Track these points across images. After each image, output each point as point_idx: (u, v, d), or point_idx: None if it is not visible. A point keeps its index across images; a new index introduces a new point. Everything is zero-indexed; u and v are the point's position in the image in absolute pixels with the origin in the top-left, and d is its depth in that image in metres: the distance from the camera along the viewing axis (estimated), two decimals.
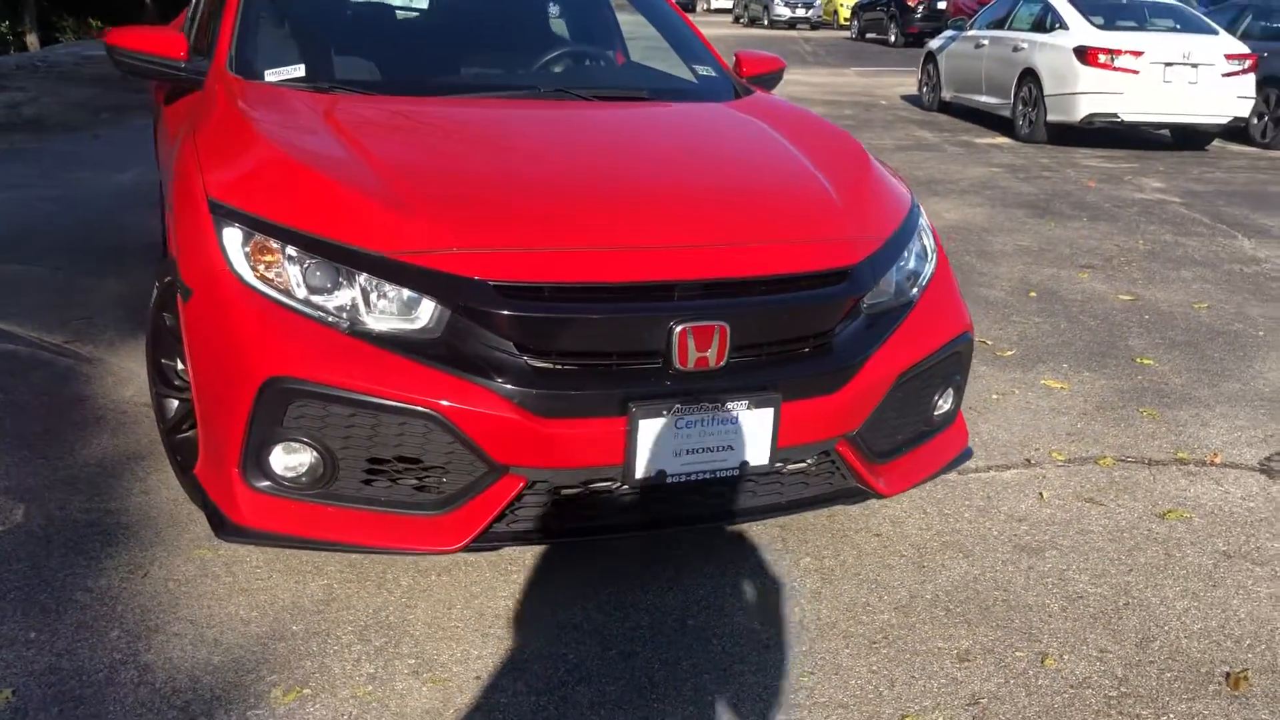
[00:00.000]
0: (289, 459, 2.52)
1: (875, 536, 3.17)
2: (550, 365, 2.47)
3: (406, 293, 2.47)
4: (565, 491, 2.55)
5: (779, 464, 2.67)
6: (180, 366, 3.14)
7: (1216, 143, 12.33)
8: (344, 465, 2.49)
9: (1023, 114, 12.09)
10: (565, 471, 2.51)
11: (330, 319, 2.47)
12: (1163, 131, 12.33)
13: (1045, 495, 3.50)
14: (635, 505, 2.61)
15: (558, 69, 3.89)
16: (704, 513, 2.69)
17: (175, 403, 3.17)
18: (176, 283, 2.73)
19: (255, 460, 2.51)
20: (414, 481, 2.52)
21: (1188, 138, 12.10)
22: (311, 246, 2.53)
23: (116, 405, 3.90)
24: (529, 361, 2.45)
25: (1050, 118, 11.63)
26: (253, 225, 2.59)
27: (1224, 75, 11.22)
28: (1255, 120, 12.07)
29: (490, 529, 2.51)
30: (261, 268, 2.55)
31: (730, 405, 2.53)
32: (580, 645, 2.62)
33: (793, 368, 2.64)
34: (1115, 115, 11.16)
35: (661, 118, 3.53)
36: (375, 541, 2.52)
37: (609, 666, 2.54)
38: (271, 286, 2.52)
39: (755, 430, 2.57)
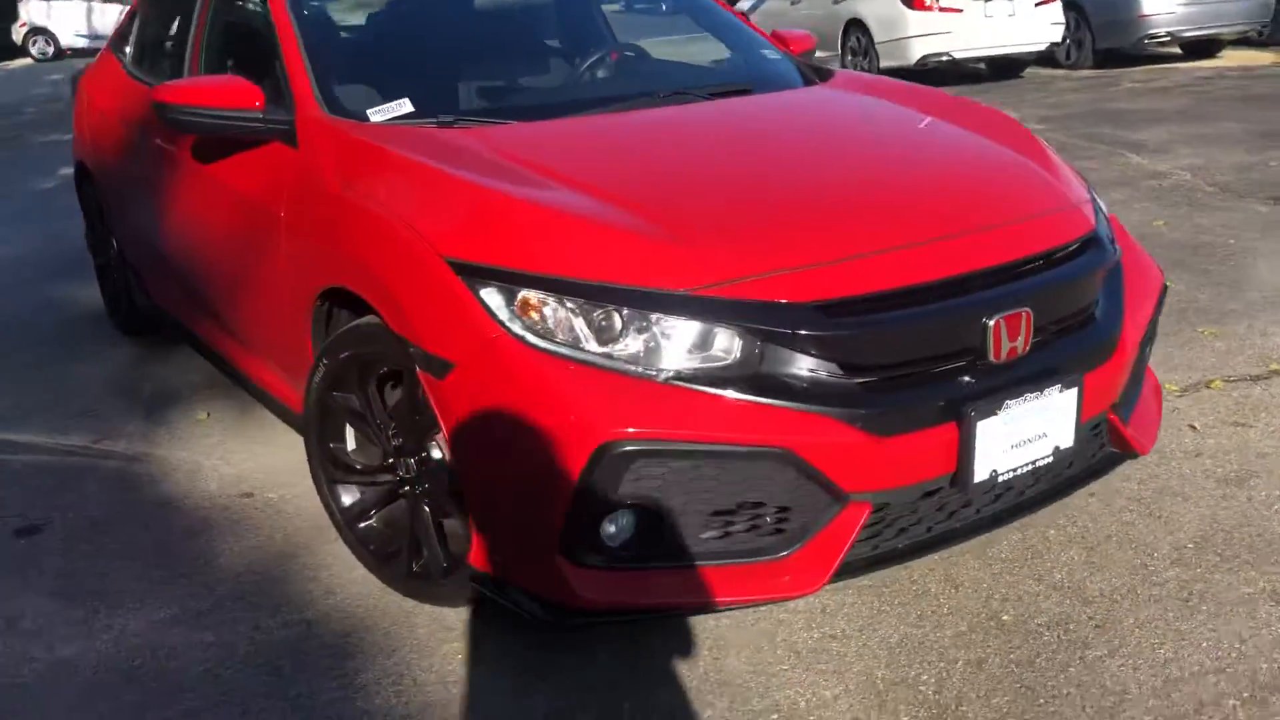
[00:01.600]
0: (621, 526, 2.30)
1: (1091, 497, 3.18)
2: (876, 380, 2.34)
3: (710, 328, 2.28)
4: (906, 508, 2.43)
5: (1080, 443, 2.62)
6: (350, 448, 2.83)
7: (1029, 70, 13.04)
8: (683, 522, 2.29)
9: (853, 64, 12.42)
10: (904, 489, 2.39)
11: (638, 369, 2.26)
12: (979, 65, 12.93)
13: (1197, 426, 3.59)
14: (967, 511, 2.52)
15: (646, 72, 3.69)
16: (1018, 506, 2.62)
17: (355, 490, 2.86)
18: (417, 358, 2.44)
19: (586, 535, 2.28)
20: (755, 526, 2.34)
21: (1002, 69, 12.75)
22: (597, 295, 2.30)
23: (213, 502, 3.48)
24: (855, 380, 2.32)
25: (883, 64, 12.00)
26: (515, 281, 2.35)
27: (1036, 5, 11.86)
28: (1060, 44, 12.82)
29: (845, 562, 2.37)
30: (537, 325, 2.30)
31: (1047, 391, 2.47)
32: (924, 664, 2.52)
33: (1075, 343, 2.60)
34: (947, 54, 11.64)
35: (806, 108, 3.40)
36: (729, 596, 2.34)
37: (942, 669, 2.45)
38: (561, 344, 2.28)
39: (1064, 412, 2.52)
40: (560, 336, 2.29)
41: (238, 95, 3.14)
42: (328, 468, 2.94)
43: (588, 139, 2.96)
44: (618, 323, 2.29)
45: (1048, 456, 2.52)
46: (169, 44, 4.33)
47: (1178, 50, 13.07)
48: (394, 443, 2.78)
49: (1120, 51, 12.74)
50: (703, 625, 2.66)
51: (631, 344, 2.28)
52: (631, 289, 2.30)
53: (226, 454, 3.80)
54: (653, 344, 2.27)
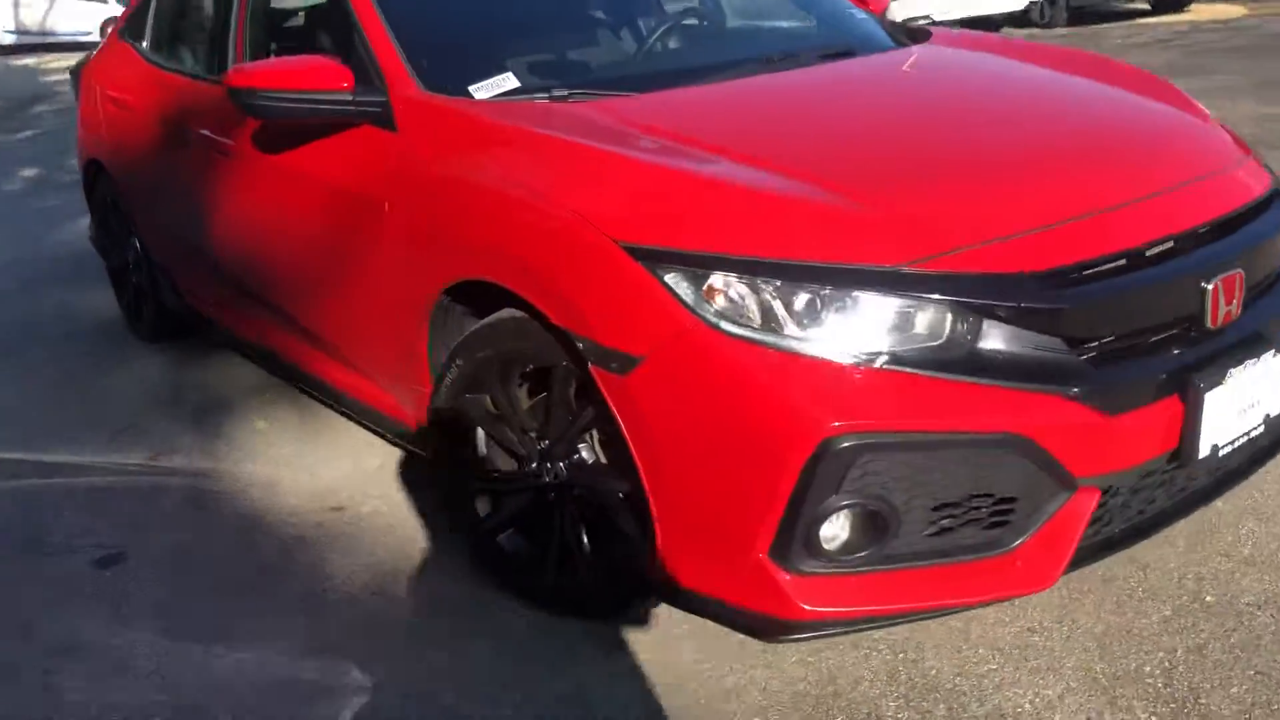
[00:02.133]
0: (841, 527, 2.10)
1: None
2: (1097, 354, 2.16)
3: (921, 306, 2.08)
4: (1128, 491, 2.26)
5: None
6: (481, 453, 2.61)
7: (1003, 30, 12.98)
8: (907, 520, 2.10)
9: None
10: (1130, 470, 2.22)
11: (850, 356, 2.05)
12: (957, 27, 12.85)
13: None
14: (1187, 486, 2.36)
15: (746, 34, 3.46)
16: (1225, 478, 2.46)
17: (489, 499, 2.65)
18: (591, 353, 2.22)
19: (803, 539, 2.08)
20: (979, 520, 2.15)
21: (978, 29, 12.68)
22: (797, 275, 2.09)
23: (301, 519, 3.22)
24: (1078, 354, 2.13)
25: None
26: (704, 265, 2.12)
27: None
28: (1035, 3, 12.77)
29: (1077, 552, 2.19)
30: (733, 312, 2.09)
31: (1262, 356, 2.31)
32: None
33: (1271, 304, 2.45)
34: (929, 16, 11.52)
35: (935, 70, 3.19)
36: (960, 597, 2.16)
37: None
38: (763, 331, 2.07)
39: (1275, 378, 2.36)
40: (759, 323, 2.08)
41: (325, 76, 2.88)
42: (460, 477, 2.71)
43: (728, 109, 2.73)
44: (821, 305, 2.08)
45: (1259, 425, 2.36)
46: (201, 27, 4.02)
47: (1146, 5, 13.08)
48: (539, 446, 2.55)
49: (1091, 9, 12.72)
50: (886, 629, 2.48)
51: (838, 328, 2.07)
52: (835, 267, 2.09)
53: (301, 466, 3.54)
54: (862, 326, 2.07)
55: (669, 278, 2.13)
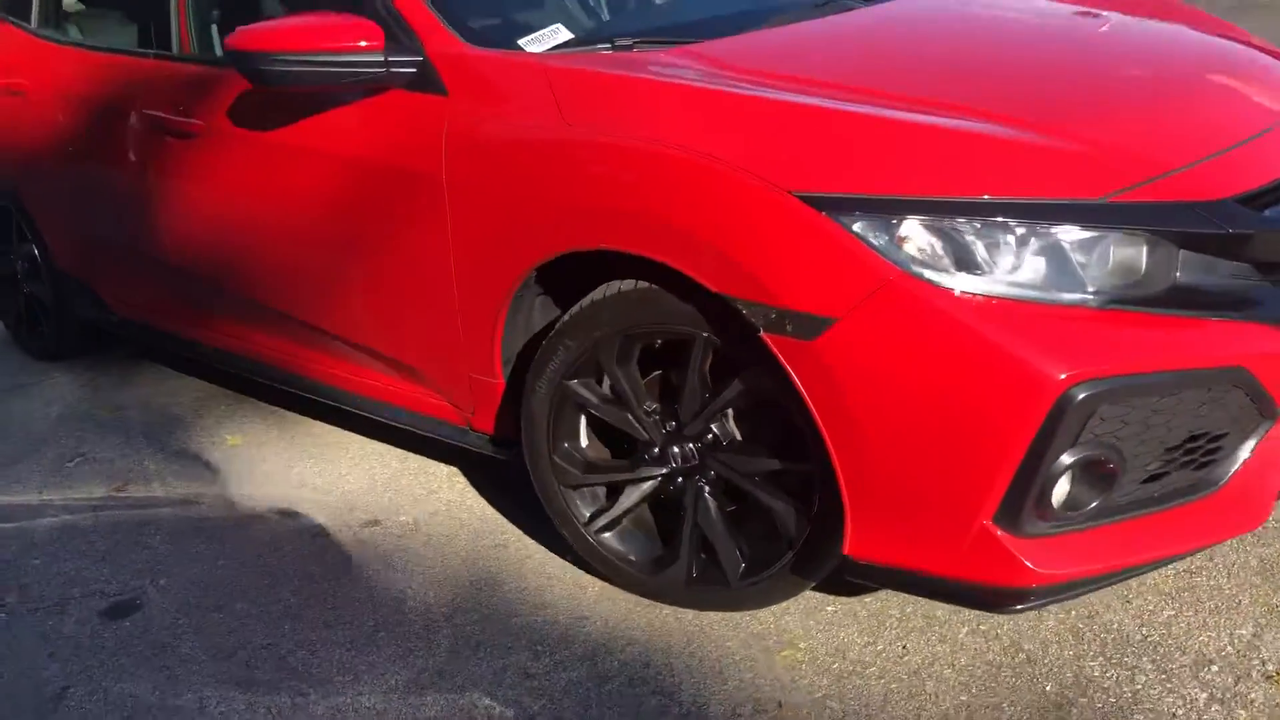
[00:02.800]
0: (1066, 484, 1.96)
1: None
2: None
3: (1127, 239, 1.96)
4: None
5: None
6: (584, 444, 2.37)
7: None
8: (1132, 467, 1.98)
9: None
10: None
11: (1069, 297, 1.91)
12: None
13: None
14: None
15: None
16: None
17: (598, 494, 2.43)
18: (764, 319, 2.00)
19: (1035, 500, 1.93)
20: (1190, 461, 2.05)
21: None
22: (998, 214, 1.93)
23: (337, 537, 2.87)
24: (1270, 280, 2.06)
25: None
26: (892, 210, 1.94)
27: None
28: None
29: None
30: (933, 259, 1.92)
31: None
32: None
33: None
34: None
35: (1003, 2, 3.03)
36: (1177, 546, 2.06)
37: None
38: (972, 278, 1.91)
39: None
40: (966, 269, 1.91)
41: (351, 33, 2.53)
42: (565, 471, 2.43)
43: (828, 51, 2.53)
44: (1029, 245, 1.93)
45: None
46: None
47: None
48: (663, 429, 2.31)
49: None
50: None
51: (1050, 268, 1.92)
52: (1041, 203, 1.95)
53: (307, 479, 3.17)
54: (1071, 265, 1.93)
55: (857, 227, 1.93)
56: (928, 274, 1.90)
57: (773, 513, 2.25)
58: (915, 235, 1.93)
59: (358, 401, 2.99)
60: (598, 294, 2.28)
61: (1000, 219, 1.92)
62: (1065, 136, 2.04)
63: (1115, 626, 2.24)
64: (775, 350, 2.01)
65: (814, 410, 2.01)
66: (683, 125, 2.14)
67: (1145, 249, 1.96)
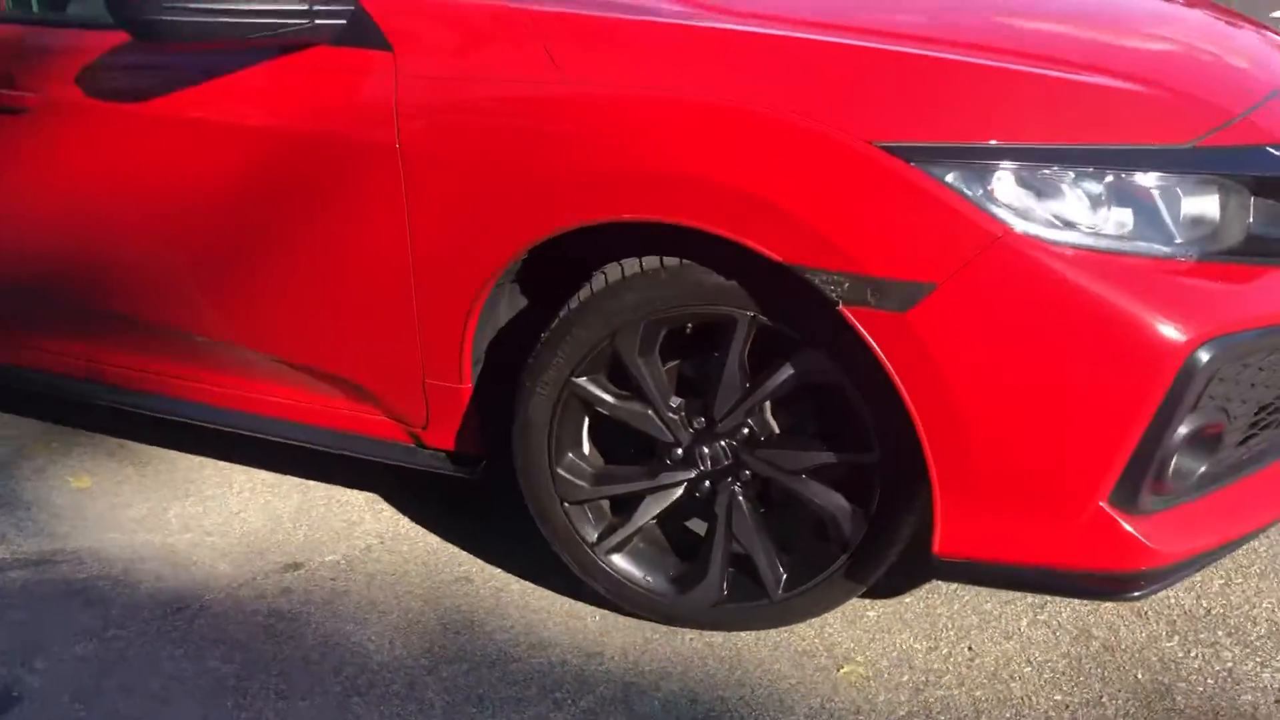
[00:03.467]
0: (1189, 450, 1.80)
1: None
2: None
3: (1217, 185, 1.82)
4: None
5: None
6: (587, 452, 2.08)
7: None
8: (1237, 428, 1.85)
9: None
10: None
11: (1164, 249, 1.76)
12: None
13: None
14: None
15: None
16: None
17: (602, 510, 2.13)
18: (842, 289, 1.75)
19: (1155, 474, 1.76)
20: (1273, 421, 1.94)
21: None
22: (1099, 162, 1.75)
23: (256, 590, 2.40)
24: None
25: None
26: (984, 158, 1.73)
27: None
28: None
29: None
30: (1034, 213, 1.72)
31: None
32: None
33: None
34: None
35: None
36: (1277, 510, 1.93)
37: None
38: (1079, 233, 1.72)
39: None
40: (1064, 223, 1.72)
41: None
42: (570, 485, 2.09)
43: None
44: (1125, 195, 1.75)
45: None
46: None
47: None
48: (691, 427, 2.02)
49: None
50: None
51: (1146, 220, 1.76)
52: (1134, 150, 1.77)
53: (192, 521, 2.66)
54: (1164, 217, 1.77)
55: (951, 179, 1.70)
56: (1034, 230, 1.69)
57: (823, 513, 1.99)
58: (1012, 187, 1.71)
59: (263, 424, 2.51)
60: (612, 274, 1.95)
61: (1098, 167, 1.73)
62: (1139, 82, 1.87)
63: (1174, 603, 2.11)
64: (858, 325, 1.75)
65: (904, 392, 1.76)
66: (723, 75, 1.84)
67: (1222, 197, 1.81)
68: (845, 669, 2.02)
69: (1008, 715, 1.89)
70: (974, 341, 1.72)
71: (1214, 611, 2.09)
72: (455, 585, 2.35)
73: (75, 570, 2.49)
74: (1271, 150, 1.85)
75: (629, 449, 2.15)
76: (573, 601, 2.26)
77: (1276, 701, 1.87)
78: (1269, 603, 2.10)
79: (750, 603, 2.09)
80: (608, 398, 2.03)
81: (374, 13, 2.09)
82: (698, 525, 2.20)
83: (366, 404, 2.35)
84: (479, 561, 2.43)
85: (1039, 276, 1.68)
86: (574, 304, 1.98)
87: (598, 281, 1.97)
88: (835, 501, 1.98)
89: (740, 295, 1.87)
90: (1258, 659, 1.96)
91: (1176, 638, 2.03)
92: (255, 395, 2.48)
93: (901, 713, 1.91)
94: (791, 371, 1.92)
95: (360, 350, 2.27)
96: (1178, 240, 1.75)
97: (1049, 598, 2.14)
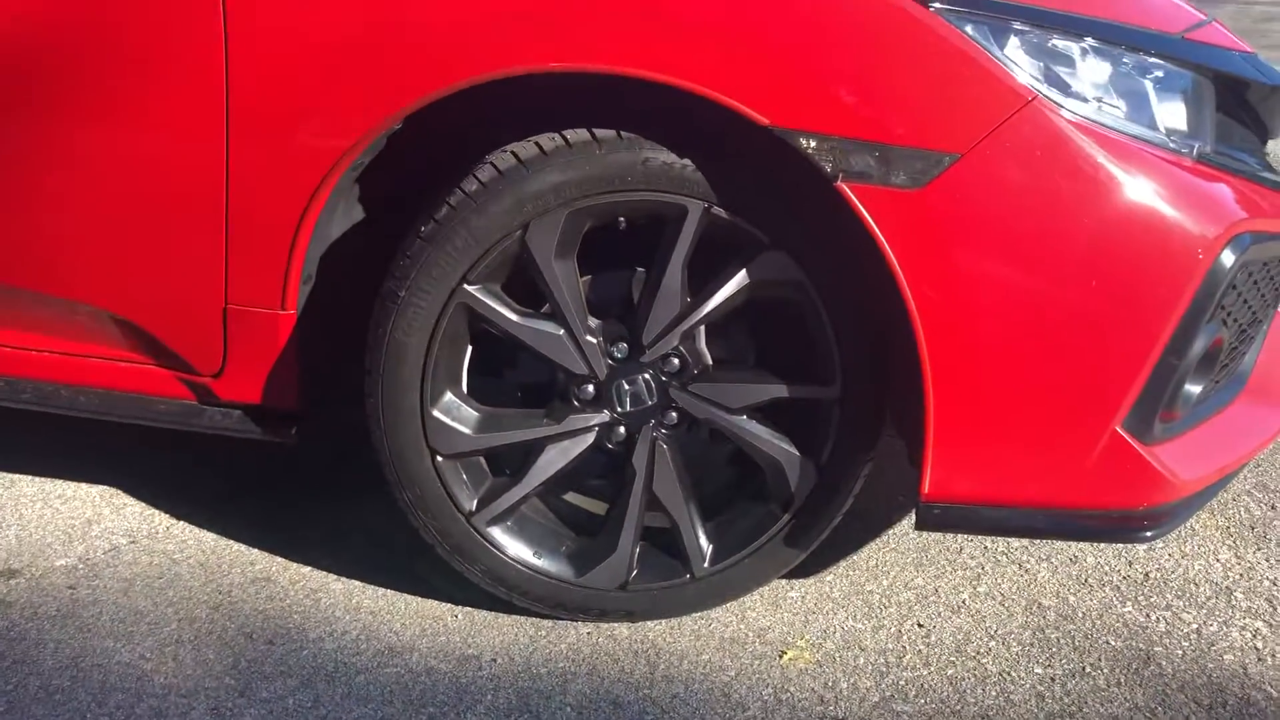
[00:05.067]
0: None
1: None
2: None
3: (1193, 83, 1.66)
4: None
5: None
6: (465, 389, 1.66)
7: None
8: (1244, 338, 1.69)
9: None
10: None
11: (1171, 143, 1.56)
12: None
13: None
14: None
15: None
16: None
17: (484, 467, 1.71)
18: (839, 158, 1.43)
19: (1172, 393, 1.54)
20: (1253, 337, 1.79)
21: None
22: (1103, 34, 1.55)
23: None
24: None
25: None
26: (1002, 14, 1.48)
27: None
28: None
29: None
30: (1048, 78, 1.49)
31: None
32: None
33: None
34: None
35: None
36: (1261, 438, 1.77)
37: None
38: (1093, 107, 1.50)
39: None
40: (1078, 97, 1.49)
41: None
42: (448, 433, 1.60)
43: None
44: (1136, 76, 1.56)
45: None
46: None
47: None
48: (610, 357, 1.60)
49: None
50: None
51: (1154, 107, 1.56)
52: (1141, 31, 1.59)
53: None
54: (1167, 106, 1.58)
55: (971, 30, 1.42)
56: (1057, 98, 1.44)
57: (765, 463, 1.63)
58: (1030, 50, 1.46)
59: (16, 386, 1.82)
60: (525, 151, 1.51)
61: (1110, 42, 1.51)
62: None
63: (1111, 569, 1.91)
64: (858, 205, 1.42)
65: (907, 291, 1.44)
66: None
67: (1198, 94, 1.64)
68: (789, 655, 1.64)
69: (994, 694, 1.58)
70: (994, 228, 1.43)
71: (1152, 576, 1.90)
72: (253, 588, 1.77)
73: None
74: (1238, 55, 1.72)
75: (510, 394, 1.69)
76: (419, 599, 1.75)
77: (1258, 659, 1.68)
78: (1200, 564, 1.93)
79: (665, 582, 1.68)
80: (508, 313, 1.56)
81: None
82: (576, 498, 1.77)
83: (127, 348, 1.74)
84: (277, 559, 1.86)
85: (1068, 152, 1.43)
86: (471, 186, 1.52)
87: (505, 160, 1.51)
88: (782, 448, 1.61)
89: (694, 179, 1.49)
90: (1220, 619, 1.78)
91: (1129, 604, 1.81)
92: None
93: (874, 699, 1.55)
94: (746, 281, 1.55)
95: (126, 264, 1.67)
96: (1181, 135, 1.55)
97: (982, 568, 1.88)
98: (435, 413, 1.58)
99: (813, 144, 1.41)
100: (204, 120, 1.56)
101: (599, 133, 1.50)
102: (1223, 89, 1.65)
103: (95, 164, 1.62)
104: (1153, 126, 1.52)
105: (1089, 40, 1.50)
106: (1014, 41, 1.44)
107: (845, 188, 1.42)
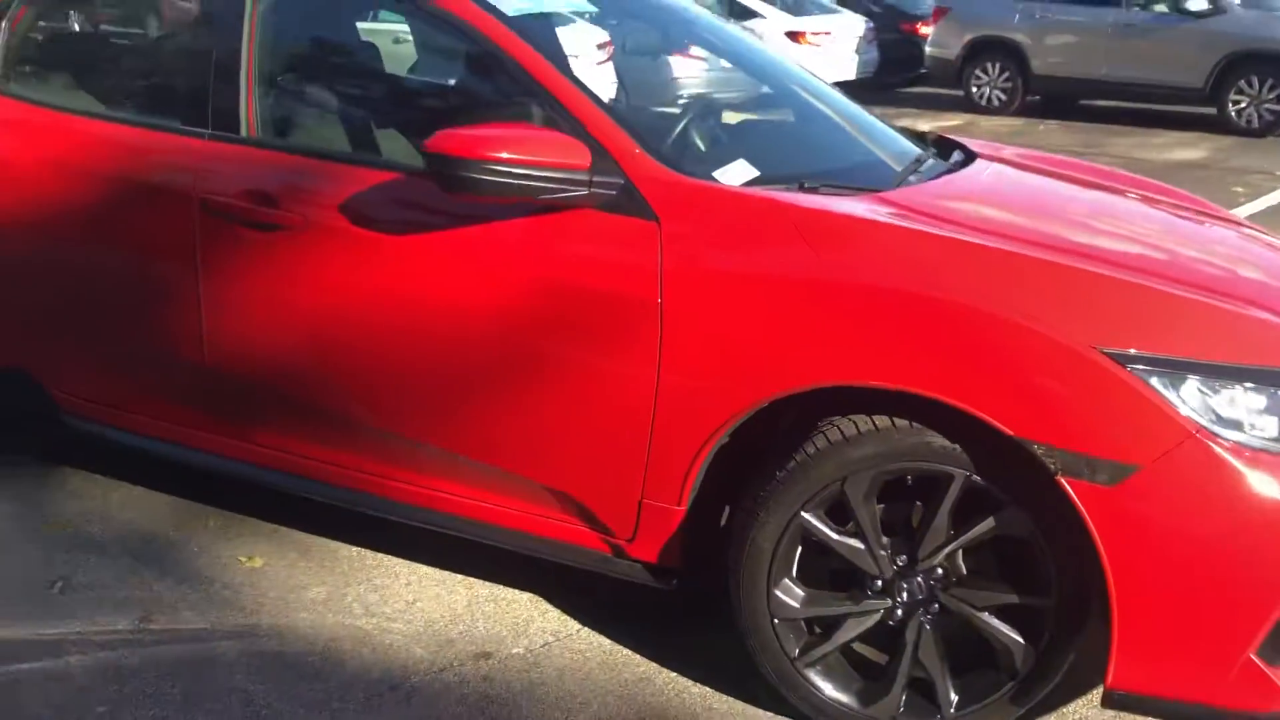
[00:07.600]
0: None
1: None
2: None
3: None
4: None
5: None
6: (794, 574, 2.44)
7: None
8: None
9: None
10: None
11: None
12: None
13: None
14: None
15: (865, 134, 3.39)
16: None
17: (802, 628, 2.49)
18: (1063, 463, 2.16)
19: None
20: None
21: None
22: (1259, 379, 2.21)
23: (468, 673, 2.67)
24: None
25: None
26: (1182, 370, 2.18)
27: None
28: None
29: None
30: (1223, 418, 2.17)
31: None
32: None
33: None
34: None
35: (1066, 182, 3.30)
36: None
37: None
38: (1243, 434, 2.17)
39: None
40: (1236, 427, 2.17)
41: (561, 149, 2.48)
42: (782, 605, 2.44)
43: (1012, 210, 2.77)
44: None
45: None
46: (136, 60, 3.20)
47: None
48: (896, 563, 2.39)
49: None
50: None
51: None
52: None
53: (372, 606, 2.92)
54: None
55: (1156, 383, 2.14)
56: (1217, 429, 2.13)
57: (998, 645, 2.36)
58: (1200, 394, 2.15)
59: (458, 524, 2.81)
60: (846, 428, 2.33)
61: (1260, 385, 2.19)
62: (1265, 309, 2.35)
63: None
64: (1071, 493, 2.16)
65: (1103, 550, 2.16)
66: (963, 277, 2.27)
67: None
68: None
69: None
70: (1165, 514, 2.13)
71: None
72: (639, 685, 2.65)
73: (276, 645, 2.74)
74: None
75: (821, 577, 2.51)
76: (752, 708, 2.57)
77: None
78: None
79: (922, 718, 2.44)
80: (830, 532, 2.39)
81: (642, 186, 2.50)
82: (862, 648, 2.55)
83: (569, 513, 2.67)
84: (653, 664, 2.73)
85: (1219, 469, 2.12)
86: (811, 449, 2.36)
87: (834, 433, 2.35)
88: (1012, 636, 2.35)
89: (961, 457, 2.26)
90: None
91: None
92: (455, 497, 2.78)
93: None
94: (993, 525, 2.31)
95: (583, 468, 2.60)
96: None
97: None
98: (775, 591, 2.43)
99: (1041, 450, 2.17)
100: (643, 390, 2.46)
101: (898, 421, 2.31)
102: None
103: (576, 406, 2.55)
104: None
105: (1248, 383, 2.18)
106: (1188, 387, 2.15)
107: (1063, 480, 2.17)
